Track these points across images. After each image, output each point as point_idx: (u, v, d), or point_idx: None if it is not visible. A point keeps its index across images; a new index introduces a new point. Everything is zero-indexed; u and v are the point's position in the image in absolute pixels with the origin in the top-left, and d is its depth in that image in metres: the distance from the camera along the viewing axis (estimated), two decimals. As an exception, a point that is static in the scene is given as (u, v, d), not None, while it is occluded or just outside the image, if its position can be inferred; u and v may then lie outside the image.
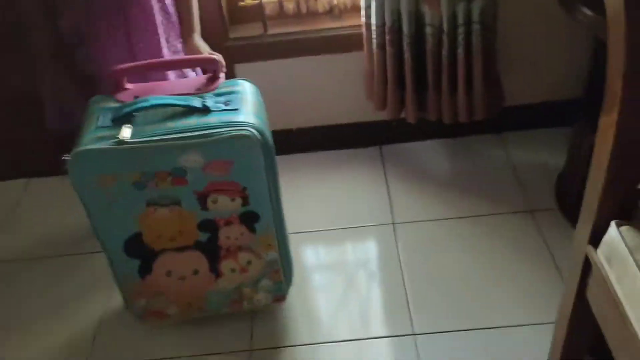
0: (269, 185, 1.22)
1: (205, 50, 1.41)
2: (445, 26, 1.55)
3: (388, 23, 1.56)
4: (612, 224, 0.94)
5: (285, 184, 1.47)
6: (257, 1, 1.70)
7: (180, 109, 1.17)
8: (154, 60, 1.27)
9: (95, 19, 1.31)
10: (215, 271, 1.34)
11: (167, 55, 1.35)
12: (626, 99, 0.83)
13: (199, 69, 1.44)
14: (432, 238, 1.61)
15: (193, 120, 1.15)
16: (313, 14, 1.78)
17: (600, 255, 0.96)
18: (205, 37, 1.67)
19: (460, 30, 1.56)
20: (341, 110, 1.87)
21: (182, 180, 1.19)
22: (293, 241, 1.47)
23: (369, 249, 1.64)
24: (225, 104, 1.19)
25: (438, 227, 1.63)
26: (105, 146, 1.11)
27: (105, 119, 1.17)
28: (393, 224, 1.66)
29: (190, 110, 1.17)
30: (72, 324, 1.48)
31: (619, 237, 0.92)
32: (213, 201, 1.23)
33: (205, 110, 1.17)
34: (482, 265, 1.51)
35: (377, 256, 1.61)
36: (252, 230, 1.30)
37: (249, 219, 1.28)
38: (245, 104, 1.21)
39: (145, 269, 1.32)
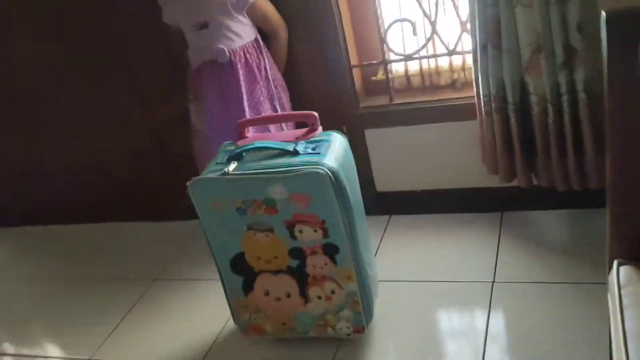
0: (343, 221, 1.42)
1: None
2: (548, 95, 1.62)
3: (493, 92, 1.68)
4: (615, 262, 0.95)
5: (402, 240, 1.76)
6: (382, 77, 1.95)
7: (277, 151, 1.46)
8: (267, 115, 1.59)
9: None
10: (304, 296, 1.55)
11: (247, 108, 1.76)
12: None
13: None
14: (528, 299, 1.61)
15: (282, 160, 1.42)
16: (437, 87, 1.97)
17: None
18: (340, 106, 1.98)
19: (565, 98, 1.61)
20: (463, 175, 1.98)
21: (273, 210, 1.45)
22: (391, 287, 1.61)
23: (462, 303, 1.69)
24: (313, 149, 1.44)
25: (536, 289, 1.63)
26: (214, 176, 1.44)
27: (223, 158, 1.51)
28: (493, 282, 1.70)
29: (284, 153, 1.45)
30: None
31: (615, 276, 0.93)
32: (299, 231, 1.47)
33: (294, 153, 1.43)
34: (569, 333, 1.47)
35: (468, 311, 1.66)
36: (334, 261, 1.49)
37: (331, 250, 1.48)
38: (329, 151, 1.44)
39: (247, 286, 1.58)
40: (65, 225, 2.56)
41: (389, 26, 1.85)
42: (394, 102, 1.96)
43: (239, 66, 1.79)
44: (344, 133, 1.99)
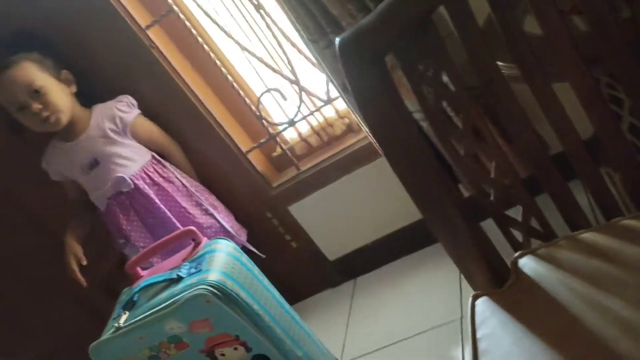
0: (255, 328, 1.29)
1: None
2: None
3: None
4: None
5: (369, 303, 1.72)
6: (281, 151, 1.86)
7: (163, 283, 1.35)
8: (148, 248, 1.48)
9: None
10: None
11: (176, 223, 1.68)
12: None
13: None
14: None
15: (167, 292, 1.32)
16: (336, 138, 1.85)
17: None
18: (255, 195, 1.88)
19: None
20: (402, 212, 1.84)
21: (183, 345, 1.33)
22: None
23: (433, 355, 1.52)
24: (196, 267, 1.33)
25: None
26: (109, 335, 1.33)
27: (119, 310, 1.41)
28: (461, 318, 1.53)
29: (169, 283, 1.34)
30: None
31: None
32: (221, 354, 1.34)
33: (178, 280, 1.32)
34: None
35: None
36: (273, 371, 1.35)
37: (262, 362, 1.34)
38: (213, 263, 1.33)
39: None
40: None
41: (258, 102, 1.77)
42: (301, 170, 1.86)
43: (146, 188, 1.70)
44: (269, 219, 1.91)
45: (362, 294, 1.91)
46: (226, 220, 1.81)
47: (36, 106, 1.59)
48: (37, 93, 1.59)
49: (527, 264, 0.84)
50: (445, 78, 0.84)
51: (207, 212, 1.74)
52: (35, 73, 1.60)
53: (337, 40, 0.77)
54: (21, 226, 2.00)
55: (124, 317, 1.34)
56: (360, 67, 0.74)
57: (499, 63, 0.90)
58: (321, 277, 2.01)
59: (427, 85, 0.83)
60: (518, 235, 0.89)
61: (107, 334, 1.34)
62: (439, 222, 0.88)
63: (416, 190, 0.88)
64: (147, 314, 1.30)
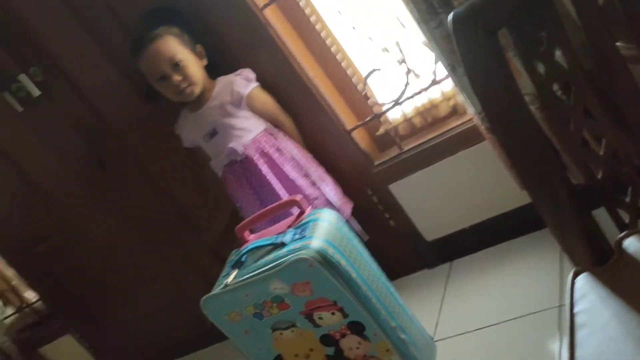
0: (353, 296, 1.35)
1: None
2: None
3: (480, 108, 1.57)
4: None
5: (464, 286, 1.74)
6: (384, 130, 1.89)
7: (268, 247, 1.44)
8: (255, 215, 1.57)
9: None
10: (353, 381, 1.47)
11: (282, 192, 1.76)
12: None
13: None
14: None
15: (272, 255, 1.40)
16: (440, 119, 1.87)
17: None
18: (356, 172, 1.94)
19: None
20: (502, 198, 1.82)
21: (284, 305, 1.42)
22: (457, 342, 1.51)
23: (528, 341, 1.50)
24: (300, 234, 1.41)
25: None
26: (218, 291, 1.44)
27: (228, 268, 1.51)
28: (559, 306, 1.51)
29: (274, 247, 1.42)
30: None
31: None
32: (319, 318, 1.42)
33: (282, 245, 1.41)
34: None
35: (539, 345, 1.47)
36: (366, 338, 1.41)
37: (357, 329, 1.40)
38: (316, 231, 1.40)
39: (296, 386, 1.53)
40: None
41: (365, 82, 1.81)
42: (403, 150, 1.88)
43: (256, 157, 1.80)
44: (369, 196, 1.96)
45: (458, 276, 1.92)
46: (333, 193, 1.86)
47: (176, 77, 1.72)
48: (177, 66, 1.72)
49: (632, 244, 0.83)
50: (558, 54, 0.84)
51: (314, 184, 1.81)
52: (176, 47, 1.73)
53: (451, 15, 0.79)
54: (144, 189, 2.19)
55: (232, 275, 1.44)
56: (473, 41, 0.76)
57: (618, 44, 0.89)
58: (417, 257, 2.03)
59: (539, 61, 0.84)
60: (624, 216, 0.88)
61: (217, 289, 1.45)
62: (546, 199, 0.88)
63: (525, 167, 0.89)
64: (253, 273, 1.39)
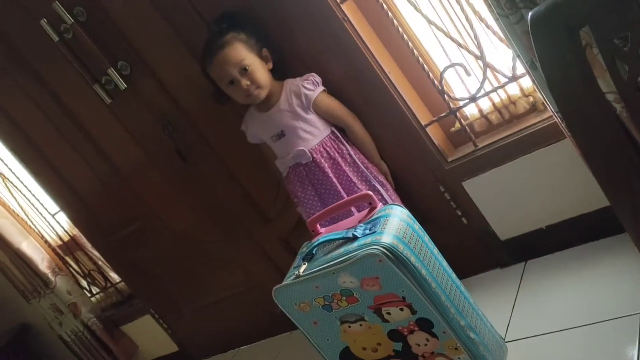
0: (422, 293, 1.35)
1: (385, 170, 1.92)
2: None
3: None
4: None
5: (539, 287, 1.71)
6: (460, 126, 1.87)
7: (339, 241, 1.46)
8: (326, 209, 1.60)
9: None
10: (420, 377, 1.47)
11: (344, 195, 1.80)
12: None
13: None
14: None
15: (343, 249, 1.42)
16: (518, 116, 1.82)
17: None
18: (429, 168, 1.93)
19: None
20: (582, 198, 1.76)
21: (353, 299, 1.43)
22: (529, 344, 1.49)
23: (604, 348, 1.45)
24: (371, 229, 1.42)
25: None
26: (289, 282, 1.47)
27: (299, 260, 1.55)
28: (640, 314, 1.44)
29: (345, 241, 1.44)
30: None
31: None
32: (387, 313, 1.43)
33: (353, 239, 1.42)
34: None
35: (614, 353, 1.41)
36: (434, 335, 1.41)
37: (425, 325, 1.40)
38: (387, 227, 1.41)
39: (363, 379, 1.55)
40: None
41: (441, 77, 1.79)
42: (479, 147, 1.85)
43: (322, 161, 1.85)
44: (442, 192, 1.94)
45: (532, 277, 1.87)
46: (391, 200, 1.87)
47: (245, 82, 1.79)
48: (245, 70, 1.78)
49: None
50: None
51: (374, 189, 1.83)
52: (244, 52, 1.79)
53: (530, 13, 0.78)
54: (220, 181, 2.26)
55: (303, 267, 1.47)
56: (553, 40, 0.75)
57: None
58: (490, 256, 2.00)
59: (622, 61, 0.81)
60: None
61: (288, 280, 1.49)
62: (626, 205, 0.86)
63: (603, 170, 0.87)
64: (323, 266, 1.42)
